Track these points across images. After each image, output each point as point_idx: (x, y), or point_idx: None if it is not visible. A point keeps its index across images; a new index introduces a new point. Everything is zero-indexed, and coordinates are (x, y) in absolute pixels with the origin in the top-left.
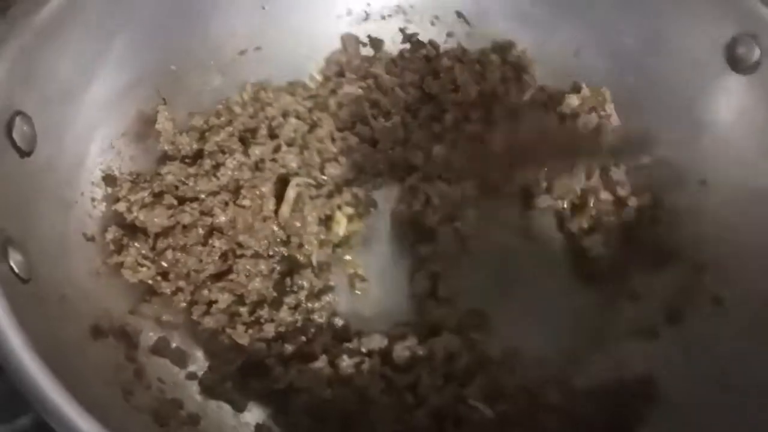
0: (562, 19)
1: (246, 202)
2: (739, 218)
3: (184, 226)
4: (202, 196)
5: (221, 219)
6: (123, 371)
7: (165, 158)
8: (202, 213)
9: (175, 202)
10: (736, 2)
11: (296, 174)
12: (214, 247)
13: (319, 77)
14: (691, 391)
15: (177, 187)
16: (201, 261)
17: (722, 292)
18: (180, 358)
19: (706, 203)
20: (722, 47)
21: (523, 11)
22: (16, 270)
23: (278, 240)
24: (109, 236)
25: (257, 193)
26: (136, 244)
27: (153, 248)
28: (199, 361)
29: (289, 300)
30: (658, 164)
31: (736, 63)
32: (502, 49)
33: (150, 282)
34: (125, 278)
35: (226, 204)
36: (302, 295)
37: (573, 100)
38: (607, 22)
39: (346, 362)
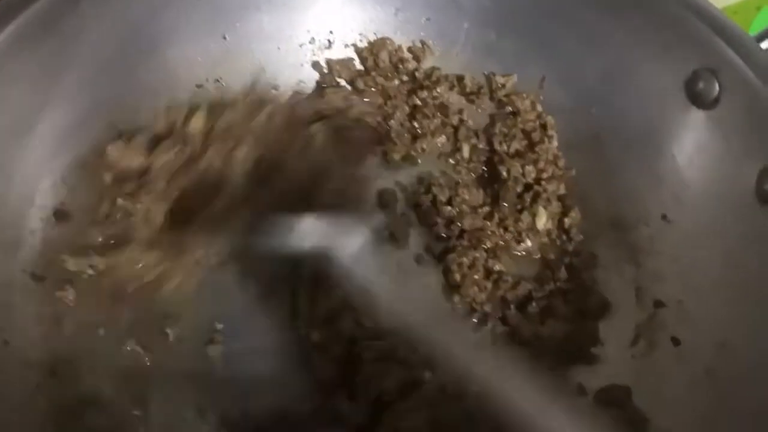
0: (527, 52)
1: None
2: (699, 256)
3: None
4: None
5: None
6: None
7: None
8: None
9: None
10: (697, 37)
11: None
12: None
13: None
14: None
15: None
16: None
17: (680, 332)
18: None
19: (668, 239)
20: (683, 82)
21: (489, 43)
22: None
23: None
24: None
25: None
26: None
27: None
28: None
29: None
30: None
31: (696, 98)
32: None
33: None
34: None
35: None
36: None
37: None
38: (571, 55)
39: None
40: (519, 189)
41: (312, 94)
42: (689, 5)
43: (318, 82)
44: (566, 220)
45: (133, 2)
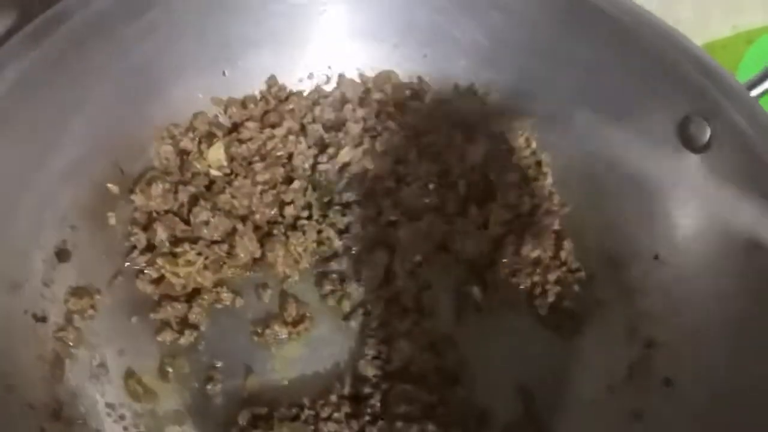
0: (522, 90)
1: None
2: (691, 296)
3: None
4: None
5: None
6: None
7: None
8: None
9: None
10: (689, 83)
11: None
12: None
13: None
14: None
15: None
16: None
17: (673, 373)
18: None
19: (659, 279)
20: (675, 126)
21: (485, 80)
22: None
23: None
24: None
25: None
26: None
27: None
28: None
29: None
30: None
31: (688, 142)
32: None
33: None
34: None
35: None
36: None
37: None
38: (566, 93)
39: None
40: (509, 217)
41: None
42: (683, 51)
43: None
44: (562, 253)
45: (136, 44)
